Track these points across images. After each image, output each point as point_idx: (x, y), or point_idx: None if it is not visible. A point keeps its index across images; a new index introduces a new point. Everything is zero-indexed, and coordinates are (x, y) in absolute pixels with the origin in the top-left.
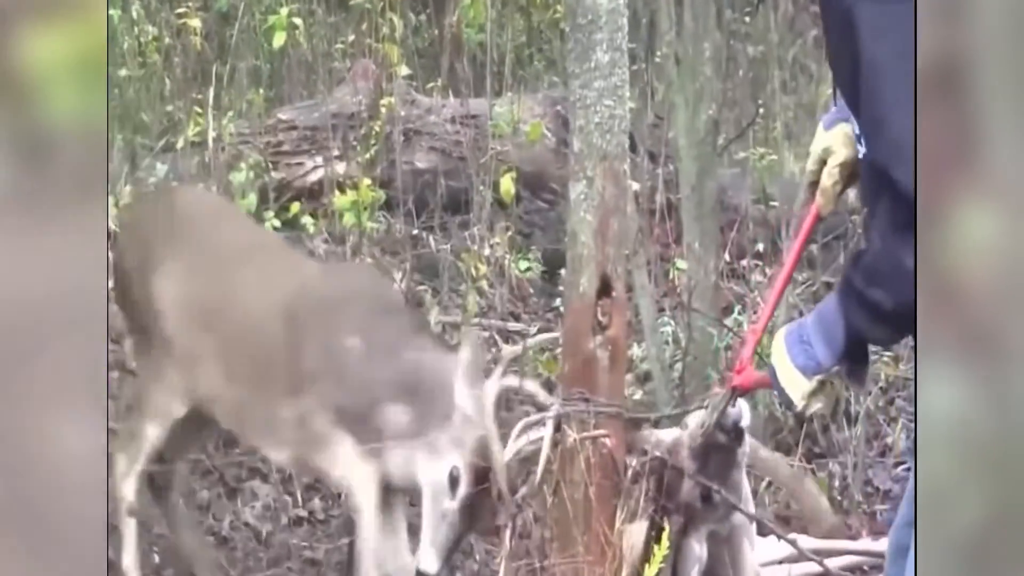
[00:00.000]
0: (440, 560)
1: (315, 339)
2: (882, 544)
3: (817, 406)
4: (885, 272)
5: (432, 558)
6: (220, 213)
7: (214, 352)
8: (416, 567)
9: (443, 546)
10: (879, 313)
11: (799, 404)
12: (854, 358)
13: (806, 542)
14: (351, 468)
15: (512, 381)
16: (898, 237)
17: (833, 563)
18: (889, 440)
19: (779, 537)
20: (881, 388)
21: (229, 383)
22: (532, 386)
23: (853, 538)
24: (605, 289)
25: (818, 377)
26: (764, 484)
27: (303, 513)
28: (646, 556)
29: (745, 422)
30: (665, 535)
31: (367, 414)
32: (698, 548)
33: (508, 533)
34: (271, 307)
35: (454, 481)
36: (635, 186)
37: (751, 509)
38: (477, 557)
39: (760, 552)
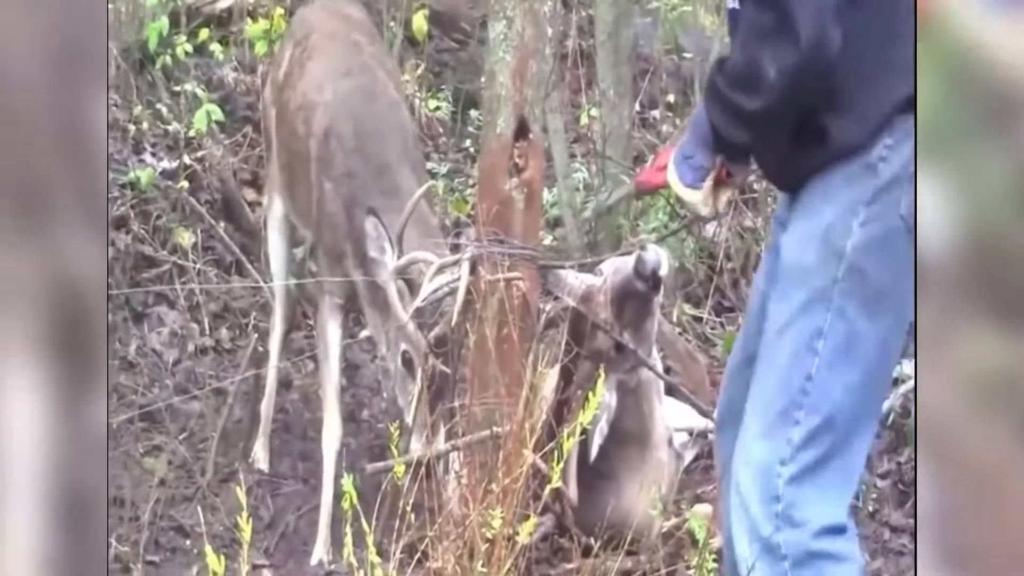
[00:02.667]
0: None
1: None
2: None
3: (723, 200)
4: (745, 76)
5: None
6: (324, 5)
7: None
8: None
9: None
10: (741, 115)
11: (705, 210)
12: (730, 157)
13: None
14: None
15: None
16: (756, 42)
17: None
18: None
19: (673, 390)
20: None
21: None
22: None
23: None
24: (522, 131)
25: (707, 180)
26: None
27: (210, 342)
28: (560, 402)
29: (663, 270)
30: (600, 382)
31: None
32: (608, 396)
33: (420, 374)
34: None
35: (408, 364)
36: (549, 30)
37: (657, 358)
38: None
39: (675, 418)
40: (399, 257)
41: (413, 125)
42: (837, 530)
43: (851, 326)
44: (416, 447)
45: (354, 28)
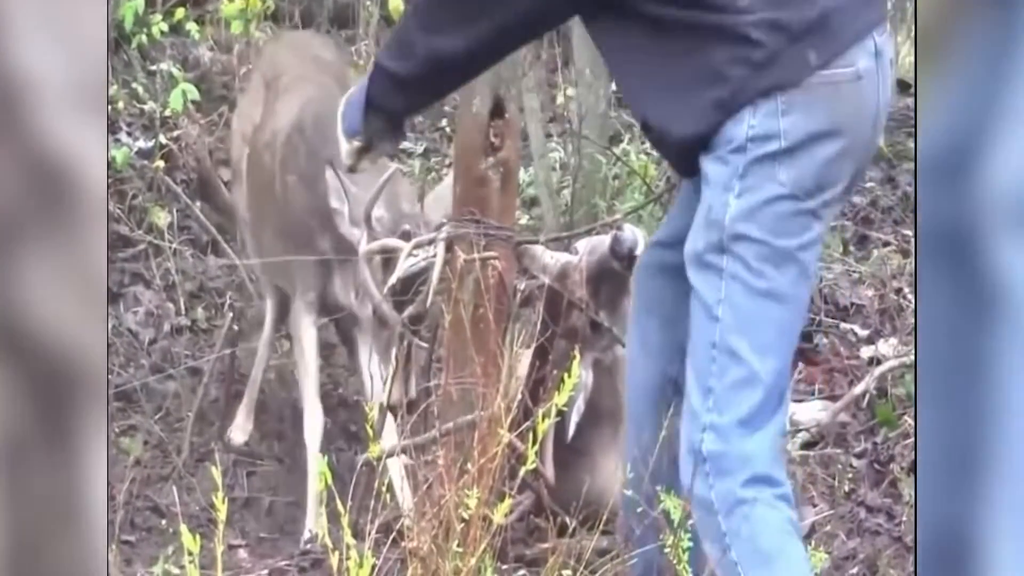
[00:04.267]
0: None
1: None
2: None
3: (363, 161)
4: (400, 46)
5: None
6: (294, 44)
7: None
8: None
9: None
10: (394, 80)
11: (348, 162)
12: (384, 126)
13: None
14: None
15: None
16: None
17: None
18: None
19: None
20: None
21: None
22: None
23: None
24: (498, 110)
25: (356, 141)
26: None
27: (186, 322)
28: (536, 381)
29: (640, 250)
30: (576, 363)
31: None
32: (585, 374)
33: (394, 353)
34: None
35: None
36: None
37: None
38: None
39: None
40: (368, 230)
41: None
42: (763, 480)
43: (747, 286)
44: (391, 427)
45: (323, 70)
